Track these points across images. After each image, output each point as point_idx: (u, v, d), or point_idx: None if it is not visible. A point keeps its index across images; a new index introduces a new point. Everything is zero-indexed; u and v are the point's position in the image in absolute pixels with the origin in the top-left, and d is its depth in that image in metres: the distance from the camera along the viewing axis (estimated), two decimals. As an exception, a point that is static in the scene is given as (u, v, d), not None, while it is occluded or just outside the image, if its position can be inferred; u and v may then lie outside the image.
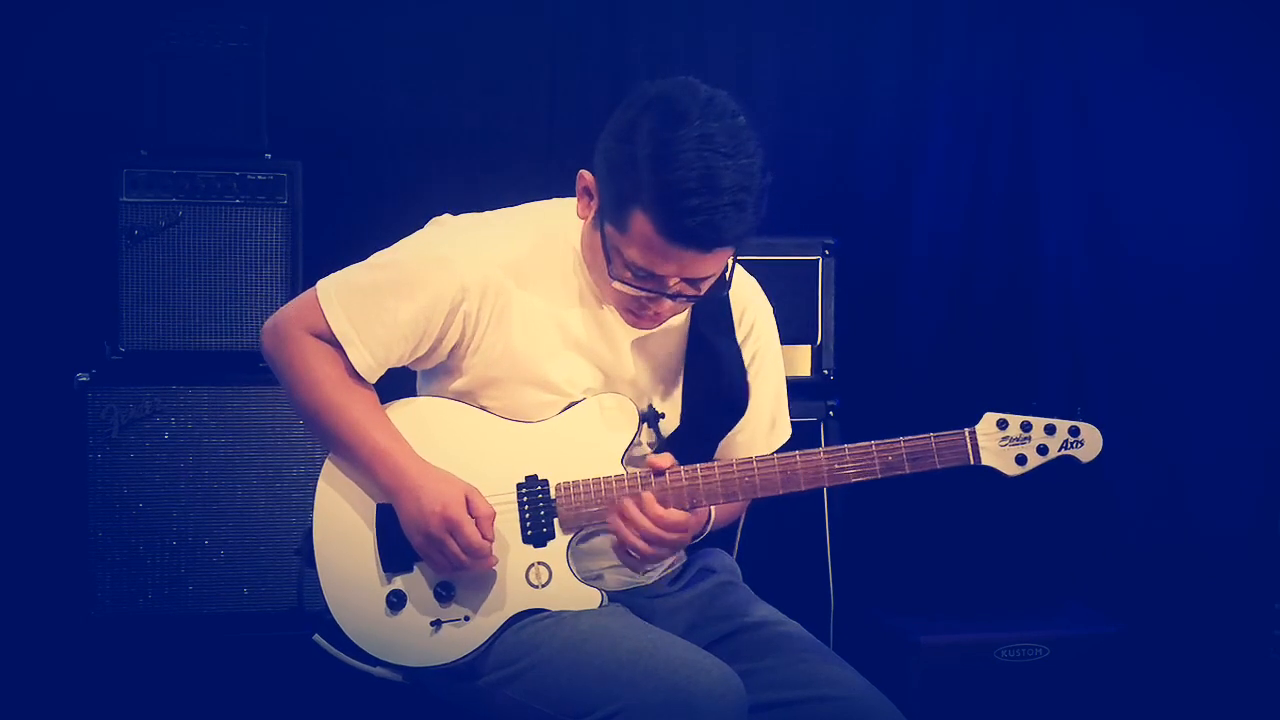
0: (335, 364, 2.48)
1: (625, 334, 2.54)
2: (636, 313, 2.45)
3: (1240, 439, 4.27)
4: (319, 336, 2.48)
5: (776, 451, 2.59)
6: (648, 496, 2.43)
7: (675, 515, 2.43)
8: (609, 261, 2.40)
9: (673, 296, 2.39)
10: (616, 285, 2.41)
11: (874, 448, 2.44)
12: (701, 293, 2.42)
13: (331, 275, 2.51)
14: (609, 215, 2.37)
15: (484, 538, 2.41)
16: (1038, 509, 4.17)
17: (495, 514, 2.43)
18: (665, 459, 2.46)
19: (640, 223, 2.31)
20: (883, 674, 2.59)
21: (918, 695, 3.63)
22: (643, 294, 2.39)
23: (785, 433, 2.71)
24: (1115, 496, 4.32)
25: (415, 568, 2.46)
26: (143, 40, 3.81)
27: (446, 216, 2.57)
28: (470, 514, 2.40)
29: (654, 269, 2.35)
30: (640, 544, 2.43)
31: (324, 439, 2.51)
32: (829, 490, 2.48)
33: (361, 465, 2.47)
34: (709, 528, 2.57)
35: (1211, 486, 4.31)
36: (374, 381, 2.51)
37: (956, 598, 4.01)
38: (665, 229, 2.29)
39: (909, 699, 3.04)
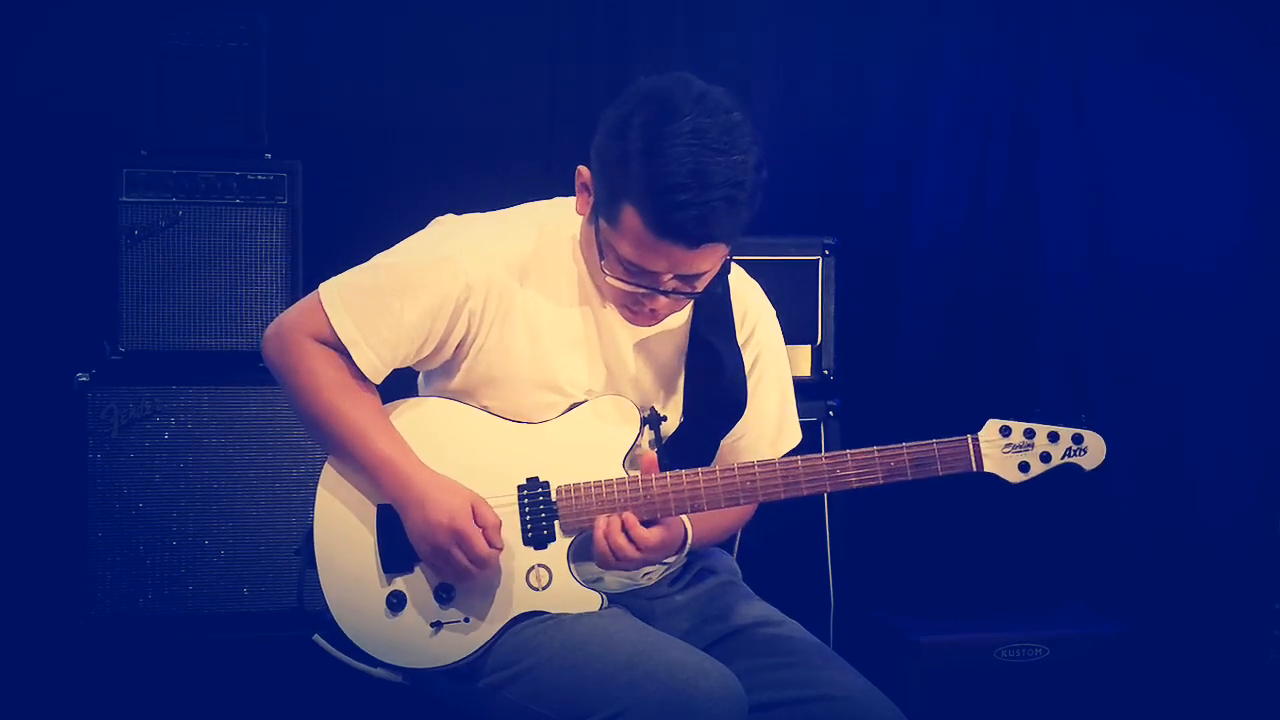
0: (339, 369, 2.47)
1: (627, 334, 2.54)
2: (633, 309, 2.45)
3: (1240, 439, 4.26)
4: (322, 341, 2.47)
5: (785, 456, 2.59)
6: (629, 516, 2.42)
7: (650, 535, 2.42)
8: (602, 256, 2.40)
9: (667, 293, 2.39)
10: (610, 280, 2.41)
11: (876, 453, 2.43)
12: (697, 290, 2.41)
13: (333, 279, 2.50)
14: (602, 210, 2.37)
15: (492, 547, 2.41)
16: (1038, 509, 4.17)
17: (501, 523, 2.43)
18: (652, 462, 2.46)
19: (630, 217, 2.31)
20: (883, 674, 2.59)
21: (918, 695, 3.63)
22: (636, 290, 2.39)
23: (794, 437, 2.70)
24: (1115, 496, 4.32)
25: (415, 569, 2.46)
26: (143, 40, 3.81)
27: (449, 216, 2.57)
28: (476, 523, 2.41)
29: (645, 264, 2.35)
30: (610, 558, 2.43)
31: (328, 446, 2.51)
32: (829, 491, 2.47)
33: (366, 472, 2.47)
34: (687, 545, 2.55)
35: (1211, 487, 4.30)
36: (378, 383, 2.51)
37: (956, 598, 4.01)
38: (655, 223, 2.29)
39: (909, 699, 3.03)
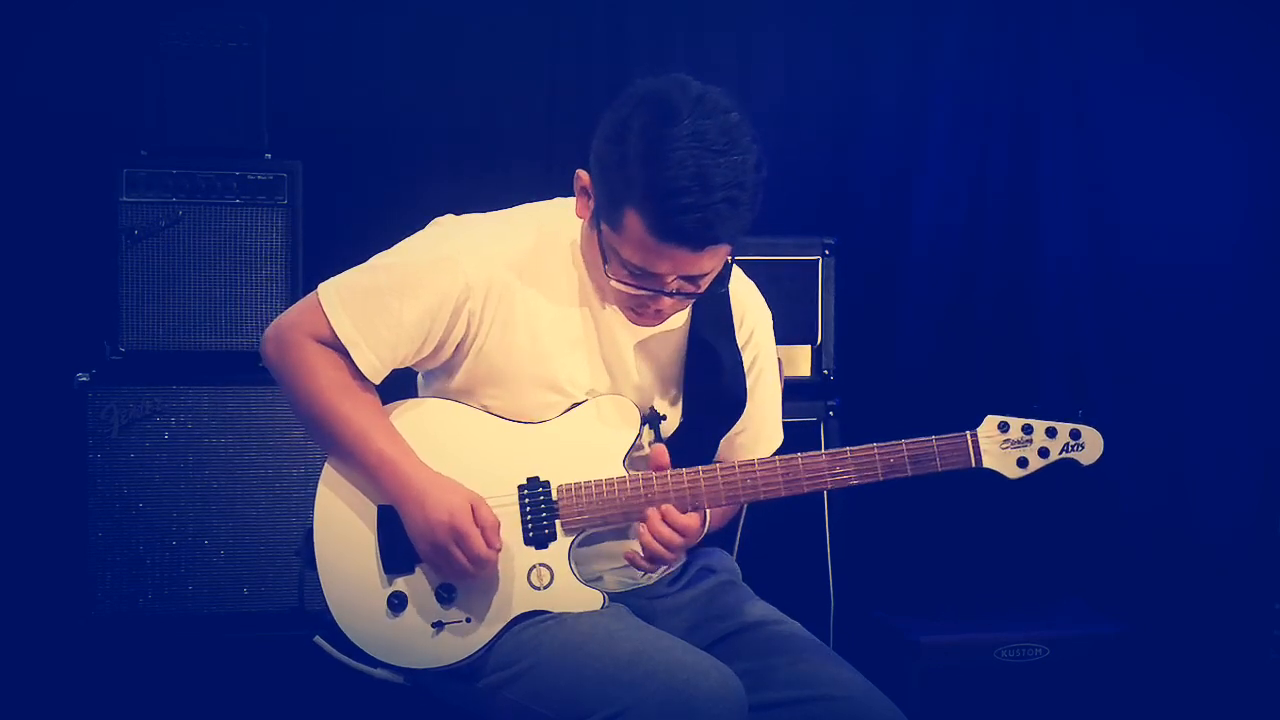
0: (338, 369, 2.47)
1: (627, 334, 2.54)
2: (638, 310, 2.45)
3: (1240, 439, 4.27)
4: (321, 341, 2.47)
5: (774, 454, 2.60)
6: (667, 507, 2.43)
7: (692, 520, 2.44)
8: (606, 261, 2.40)
9: (671, 294, 2.39)
10: (614, 284, 2.41)
11: (876, 450, 2.44)
12: (702, 289, 2.41)
13: (332, 279, 2.49)
14: (604, 215, 2.37)
15: (490, 547, 2.41)
16: (1038, 509, 4.17)
17: (500, 525, 2.43)
18: (663, 452, 2.47)
19: (633, 222, 2.31)
20: (883, 674, 2.59)
21: (918, 695, 3.63)
22: (641, 293, 2.40)
23: (781, 438, 2.72)
24: (1116, 496, 4.32)
25: (416, 569, 2.46)
26: (143, 40, 3.81)
27: (448, 217, 2.56)
28: (476, 523, 2.40)
29: (649, 267, 2.35)
30: (663, 552, 2.43)
31: (327, 446, 2.50)
32: (829, 490, 2.48)
33: (366, 473, 2.46)
34: (705, 530, 2.56)
35: (1212, 486, 4.31)
36: (378, 383, 2.51)
37: (956, 598, 4.01)
38: (658, 228, 2.29)
39: (909, 699, 3.03)
